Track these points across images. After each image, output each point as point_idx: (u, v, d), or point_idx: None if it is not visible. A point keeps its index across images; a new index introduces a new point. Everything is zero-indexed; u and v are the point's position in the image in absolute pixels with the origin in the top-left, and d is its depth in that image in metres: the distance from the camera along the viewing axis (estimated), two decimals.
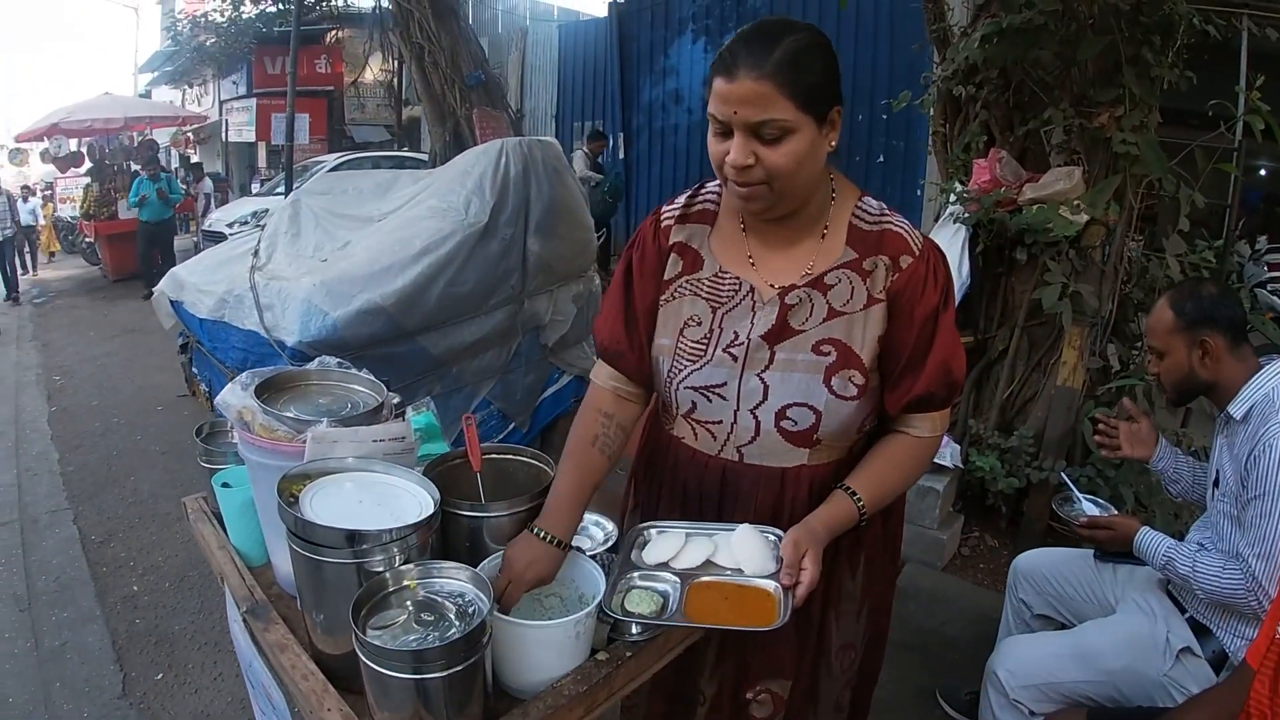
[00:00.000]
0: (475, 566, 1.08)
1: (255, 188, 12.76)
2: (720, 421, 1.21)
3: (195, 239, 10.57)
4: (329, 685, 1.01)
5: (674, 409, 1.26)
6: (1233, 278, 3.31)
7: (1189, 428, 2.91)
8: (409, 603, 0.97)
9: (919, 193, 6.05)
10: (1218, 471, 1.64)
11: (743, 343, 1.17)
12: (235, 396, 1.25)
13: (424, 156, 10.24)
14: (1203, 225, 3.04)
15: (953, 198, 3.09)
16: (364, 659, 0.88)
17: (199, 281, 3.58)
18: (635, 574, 1.14)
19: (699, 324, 1.20)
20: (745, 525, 1.14)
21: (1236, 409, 1.57)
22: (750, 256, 1.20)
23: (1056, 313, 2.69)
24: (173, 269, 3.98)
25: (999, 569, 2.74)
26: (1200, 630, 1.57)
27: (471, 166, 3.30)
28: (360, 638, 0.88)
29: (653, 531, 1.21)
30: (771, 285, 1.17)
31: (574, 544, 1.22)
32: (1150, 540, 1.62)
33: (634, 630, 1.16)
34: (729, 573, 1.12)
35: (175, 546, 3.17)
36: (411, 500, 1.11)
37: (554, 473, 1.24)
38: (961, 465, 2.72)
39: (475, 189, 3.21)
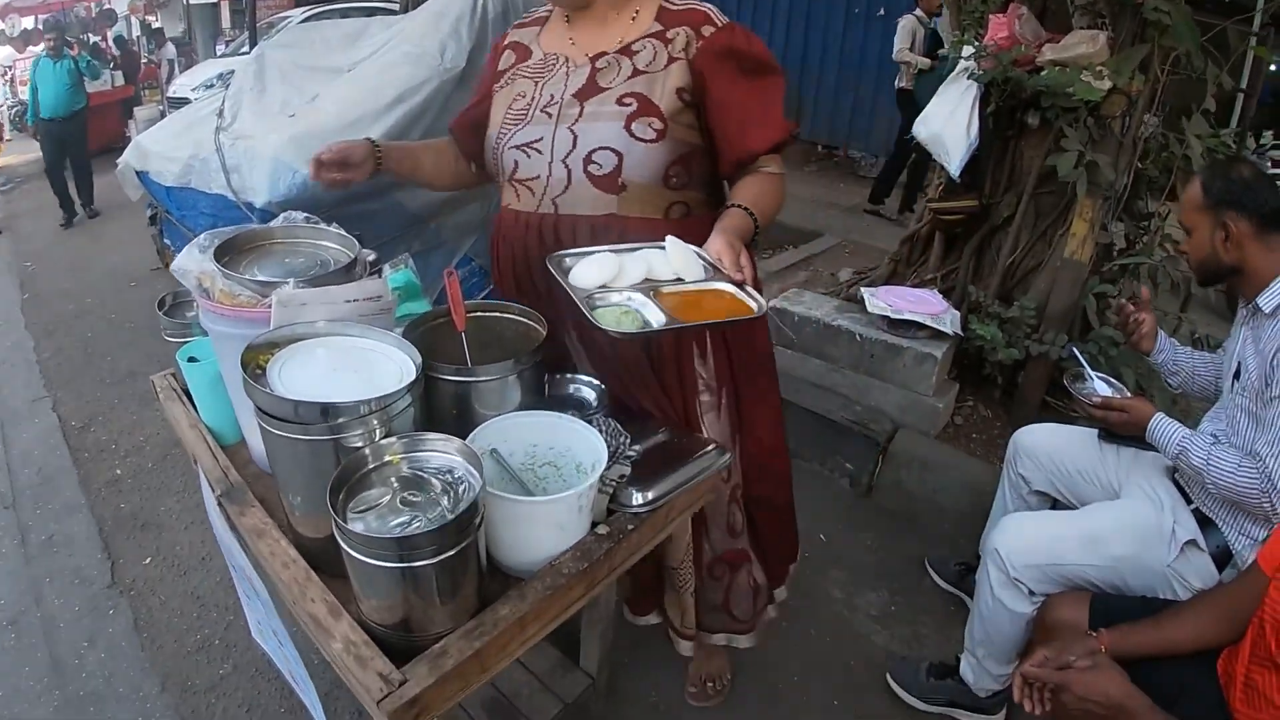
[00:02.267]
0: (464, 436, 1.00)
1: (220, 49, 11.88)
2: (537, 176, 1.33)
3: (160, 107, 9.79)
4: (311, 572, 0.94)
5: (502, 175, 1.41)
6: None
7: (1187, 313, 2.84)
8: (393, 480, 0.88)
9: None
10: (1239, 364, 1.55)
11: (557, 102, 1.32)
12: (192, 261, 1.11)
13: (395, 5, 9.46)
14: (1210, 112, 2.86)
15: (966, 51, 2.84)
16: (345, 547, 0.80)
17: (163, 149, 3.34)
18: (595, 296, 1.08)
19: (524, 96, 1.37)
20: (672, 238, 1.18)
21: (1266, 301, 1.48)
22: (571, 39, 1.38)
23: (1069, 182, 2.54)
24: (136, 138, 3.71)
25: (991, 440, 2.74)
26: (1204, 522, 1.54)
27: (447, 8, 3.03)
28: (340, 524, 0.79)
29: (569, 259, 1.18)
30: (586, 55, 1.34)
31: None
32: (1164, 427, 1.56)
33: (635, 500, 1.09)
34: (676, 283, 1.12)
35: (156, 424, 3.10)
36: (391, 366, 1.00)
37: (542, 326, 1.17)
38: (961, 333, 2.65)
39: (451, 32, 2.97)
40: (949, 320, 2.61)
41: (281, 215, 1.32)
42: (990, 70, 2.63)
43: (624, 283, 1.11)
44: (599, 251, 1.18)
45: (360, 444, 0.89)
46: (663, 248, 1.18)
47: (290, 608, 0.96)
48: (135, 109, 8.76)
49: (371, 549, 0.79)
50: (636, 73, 1.29)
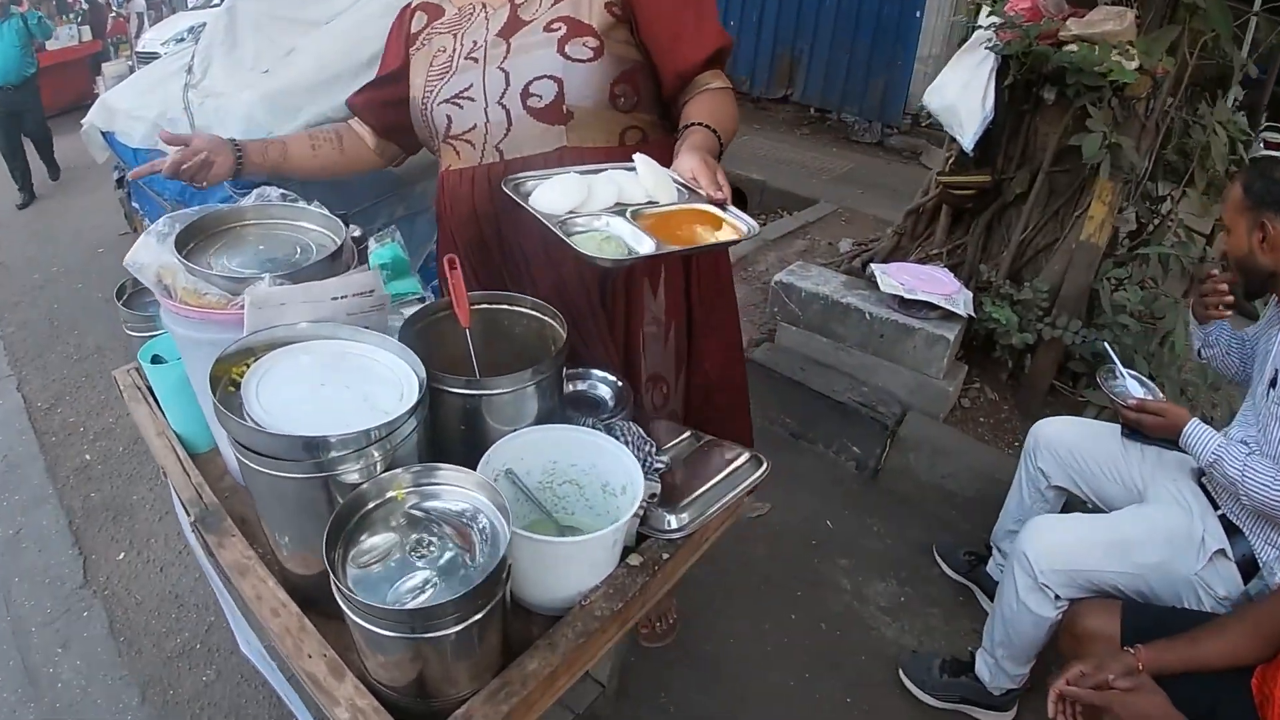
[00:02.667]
0: (473, 452, 0.87)
1: (190, 1, 11.30)
2: (473, 126, 1.25)
3: (129, 63, 9.26)
4: (305, 621, 0.82)
5: (436, 140, 1.32)
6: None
7: (1189, 297, 2.78)
8: (399, 521, 0.75)
9: (918, 14, 5.47)
10: (1276, 371, 1.49)
11: (481, 45, 1.25)
12: (149, 253, 0.96)
13: None
14: (1237, 100, 2.79)
15: (984, 20, 2.69)
16: (349, 614, 0.67)
17: (130, 107, 3.11)
18: (570, 223, 0.98)
19: (444, 51, 1.29)
20: (641, 156, 1.10)
21: None
22: None
23: (1092, 163, 2.44)
24: (102, 96, 3.45)
25: (999, 424, 2.67)
26: (1231, 530, 1.50)
27: None
28: (343, 590, 0.66)
29: (531, 182, 1.08)
30: None
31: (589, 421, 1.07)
32: (1200, 435, 1.51)
33: (670, 524, 0.98)
34: (650, 205, 1.03)
35: (126, 405, 2.94)
36: (388, 376, 0.87)
37: (562, 327, 1.03)
38: (973, 315, 2.55)
39: None
40: (962, 301, 2.51)
41: (255, 192, 1.17)
42: (1014, 42, 2.50)
43: (594, 206, 1.02)
44: (561, 173, 1.09)
45: (359, 479, 0.76)
46: (631, 168, 1.10)
47: (283, 658, 0.84)
48: (104, 65, 8.26)
49: (383, 621, 0.66)
50: None
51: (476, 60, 1.25)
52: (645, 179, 1.07)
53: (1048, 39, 2.48)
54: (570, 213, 1.01)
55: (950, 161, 2.97)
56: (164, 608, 2.04)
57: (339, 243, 1.00)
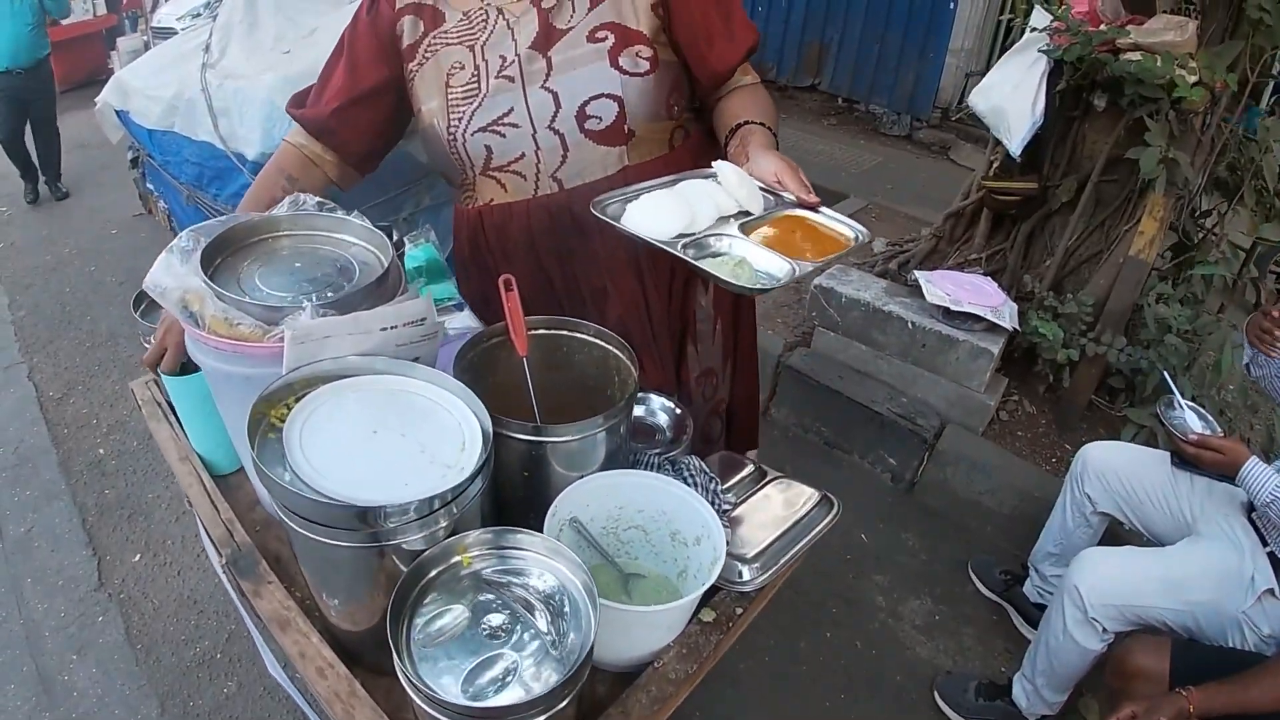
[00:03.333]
0: (535, 499, 0.80)
1: None
2: (522, 155, 1.12)
3: (145, 38, 9.06)
4: (355, 685, 0.74)
5: (471, 172, 1.17)
6: None
7: (1226, 314, 2.69)
8: (466, 591, 0.68)
9: (952, 5, 5.31)
10: None
11: (513, 60, 1.09)
12: (172, 275, 0.87)
13: None
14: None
15: (1037, 22, 2.57)
16: (421, 705, 0.60)
17: (144, 85, 3.03)
18: (690, 249, 0.93)
19: (462, 67, 1.12)
20: (723, 163, 1.03)
21: None
22: None
23: (1149, 177, 2.34)
24: (117, 74, 3.37)
25: (1037, 438, 2.58)
26: (1278, 566, 1.49)
27: None
28: (413, 678, 0.58)
29: (615, 205, 1.00)
30: (518, 0, 1.11)
31: (651, 455, 1.01)
32: (1259, 474, 1.48)
33: (743, 576, 0.91)
34: (743, 216, 1.00)
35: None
36: (445, 419, 0.78)
37: (631, 360, 0.95)
38: (1019, 328, 2.46)
39: None
40: (1008, 314, 2.42)
41: (288, 199, 1.08)
42: (1069, 47, 2.39)
43: (700, 225, 0.96)
44: (648, 191, 1.01)
45: (421, 547, 0.68)
46: (710, 174, 1.03)
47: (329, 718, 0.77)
48: (118, 40, 8.09)
49: (460, 717, 0.59)
50: (595, 1, 1.09)
51: (512, 79, 1.10)
52: (736, 189, 0.99)
53: (1105, 47, 2.38)
54: (679, 236, 0.93)
55: (995, 166, 2.86)
56: (182, 613, 1.98)
57: (385, 264, 0.91)
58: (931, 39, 5.33)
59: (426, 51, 1.14)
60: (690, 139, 1.22)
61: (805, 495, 1.05)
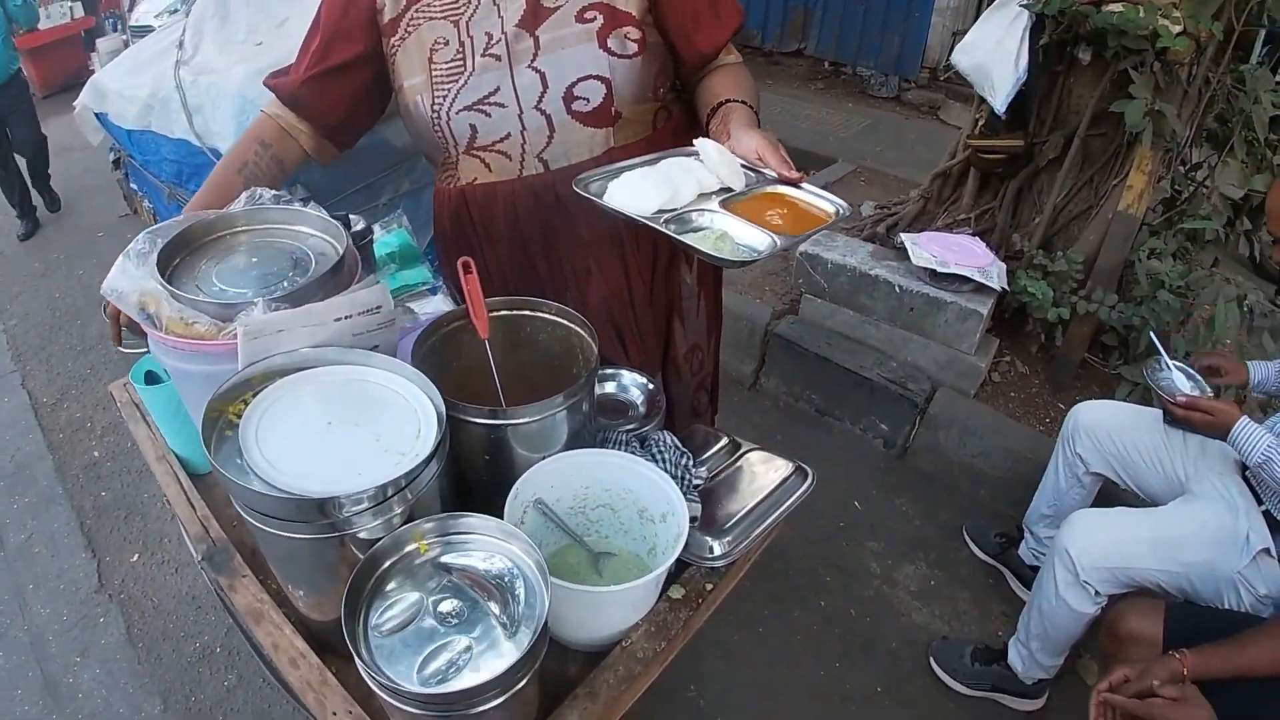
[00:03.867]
0: (498, 481, 0.80)
1: None
2: (508, 135, 1.11)
3: (124, 37, 8.96)
4: (326, 674, 0.75)
5: (454, 149, 1.15)
6: None
7: (1219, 268, 2.65)
8: (421, 578, 0.68)
9: None
10: None
11: (499, 39, 1.08)
12: (128, 278, 0.87)
13: None
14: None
15: None
16: (379, 692, 0.60)
17: (121, 87, 3.01)
18: (672, 224, 0.94)
19: (446, 43, 1.10)
20: (705, 140, 1.04)
21: None
22: None
23: (1134, 130, 2.30)
24: (94, 76, 3.35)
25: (1029, 399, 2.57)
26: (1274, 526, 1.47)
27: None
28: (371, 669, 0.59)
29: (596, 182, 1.01)
30: None
31: (620, 432, 1.02)
32: (1250, 434, 1.45)
33: (713, 551, 0.91)
34: (725, 193, 1.01)
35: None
36: (401, 406, 0.78)
37: (592, 337, 0.95)
38: (1007, 288, 2.44)
39: None
40: (995, 274, 2.39)
41: (245, 194, 1.07)
42: (1050, 0, 2.33)
43: (681, 201, 0.97)
44: (625, 168, 1.02)
45: (377, 535, 0.68)
46: (692, 153, 1.04)
47: (305, 708, 0.78)
48: (98, 41, 7.99)
49: (417, 702, 0.59)
50: None
51: (499, 58, 1.08)
52: (718, 166, 1.00)
53: None
54: (660, 211, 0.94)
55: (980, 124, 2.82)
56: (181, 610, 2.00)
57: (340, 252, 0.91)
58: None
59: (409, 26, 1.12)
60: (672, 119, 1.22)
61: (779, 467, 1.05)
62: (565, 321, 0.97)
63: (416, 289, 1.29)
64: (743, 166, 1.02)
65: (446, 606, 0.65)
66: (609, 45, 1.08)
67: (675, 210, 0.95)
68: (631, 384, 1.15)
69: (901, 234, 2.59)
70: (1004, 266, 2.47)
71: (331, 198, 2.49)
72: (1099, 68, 2.47)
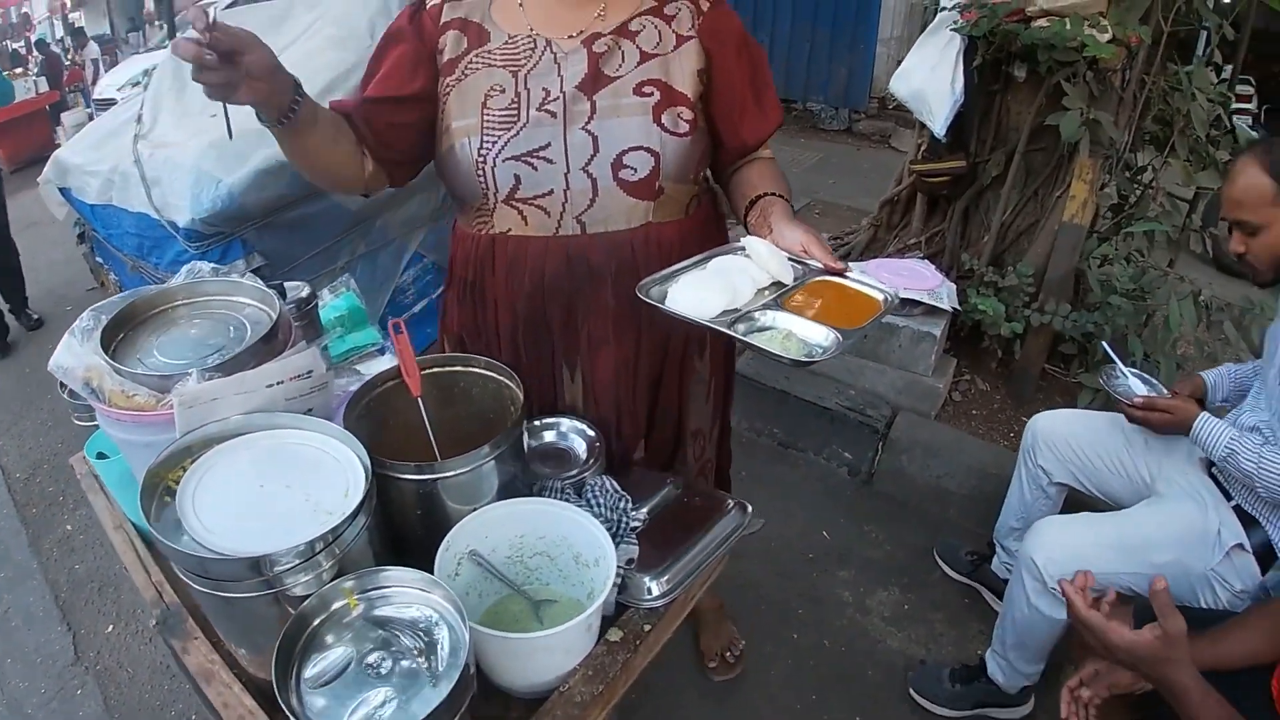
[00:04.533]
0: (434, 536, 0.83)
1: (141, 43, 11.22)
2: (551, 192, 1.12)
3: (89, 110, 9.12)
4: None
5: (492, 197, 1.14)
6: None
7: (1174, 267, 2.73)
8: (349, 632, 0.71)
9: None
10: None
11: (557, 97, 1.10)
12: (73, 355, 0.91)
13: None
14: (1218, 64, 2.74)
15: (946, 1, 2.64)
16: None
17: (83, 162, 3.06)
18: (738, 325, 0.97)
19: (502, 91, 1.11)
20: (752, 239, 1.08)
21: None
22: (540, 16, 1.15)
23: (1071, 141, 2.39)
24: (56, 153, 3.41)
25: (992, 415, 2.63)
26: (1246, 520, 1.46)
27: None
28: None
29: (656, 287, 1.03)
30: (569, 36, 1.13)
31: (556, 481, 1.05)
32: (1211, 429, 1.46)
33: (651, 592, 0.94)
34: (777, 288, 1.04)
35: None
36: (332, 467, 0.82)
37: (519, 388, 0.99)
38: (958, 307, 2.51)
39: (380, 8, 2.70)
40: (945, 294, 2.46)
41: (185, 268, 1.11)
42: (978, 22, 2.44)
43: (742, 301, 1.01)
44: (685, 272, 1.06)
45: (309, 590, 0.71)
46: (733, 251, 1.10)
47: None
48: (63, 115, 8.14)
49: None
50: (645, 56, 1.12)
51: (554, 115, 1.09)
52: (767, 262, 1.04)
53: (1014, 16, 2.42)
54: (724, 313, 0.97)
55: (922, 149, 2.93)
56: (156, 679, 1.99)
57: (273, 320, 0.95)
58: (860, 31, 5.45)
59: (467, 68, 1.13)
60: (701, 208, 1.26)
61: (719, 503, 1.09)
62: (496, 375, 1.01)
63: (365, 350, 1.33)
64: (789, 259, 1.06)
65: (374, 658, 0.68)
66: (663, 121, 1.10)
67: (739, 311, 0.98)
68: (571, 430, 1.18)
69: (850, 264, 2.67)
70: (954, 287, 2.54)
71: (288, 264, 2.53)
72: (1034, 83, 2.54)
